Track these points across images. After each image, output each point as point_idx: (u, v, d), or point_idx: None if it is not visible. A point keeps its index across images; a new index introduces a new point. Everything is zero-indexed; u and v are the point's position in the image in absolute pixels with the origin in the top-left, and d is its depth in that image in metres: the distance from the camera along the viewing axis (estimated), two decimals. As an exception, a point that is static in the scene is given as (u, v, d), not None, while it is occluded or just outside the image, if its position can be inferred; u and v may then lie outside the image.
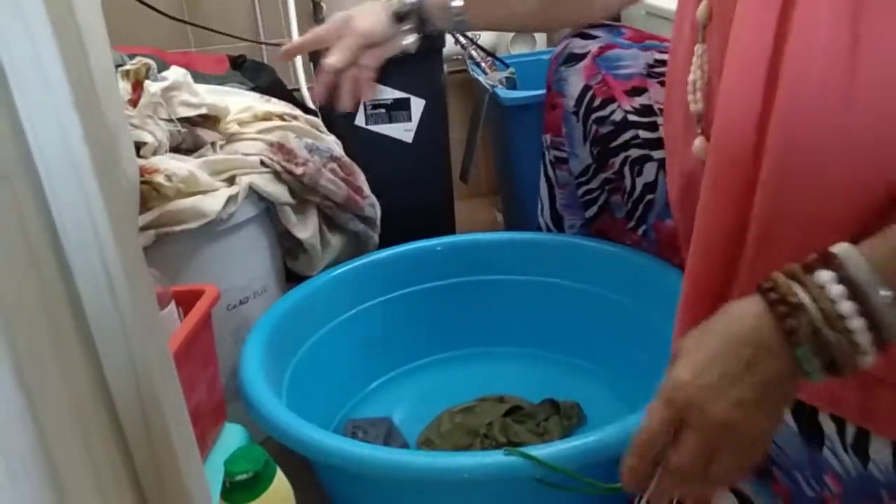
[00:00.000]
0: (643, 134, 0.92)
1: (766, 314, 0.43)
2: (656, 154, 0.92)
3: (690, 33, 0.61)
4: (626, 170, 0.95)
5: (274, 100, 1.14)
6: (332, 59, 0.88)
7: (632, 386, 1.02)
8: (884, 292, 0.40)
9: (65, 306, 0.28)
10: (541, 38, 1.73)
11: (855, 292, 0.40)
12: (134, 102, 0.93)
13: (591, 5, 0.97)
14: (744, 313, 0.44)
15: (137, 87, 0.95)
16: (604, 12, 0.98)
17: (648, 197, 0.94)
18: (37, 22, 0.26)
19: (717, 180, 0.51)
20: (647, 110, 0.91)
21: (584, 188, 1.02)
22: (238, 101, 1.08)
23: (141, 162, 0.87)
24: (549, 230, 1.10)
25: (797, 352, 0.42)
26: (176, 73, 0.95)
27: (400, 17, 0.94)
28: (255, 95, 1.14)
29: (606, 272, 1.04)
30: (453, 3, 0.95)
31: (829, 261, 0.42)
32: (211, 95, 1.00)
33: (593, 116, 0.95)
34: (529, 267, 1.11)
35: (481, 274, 1.13)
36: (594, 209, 1.04)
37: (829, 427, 0.50)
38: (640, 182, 0.94)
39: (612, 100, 0.93)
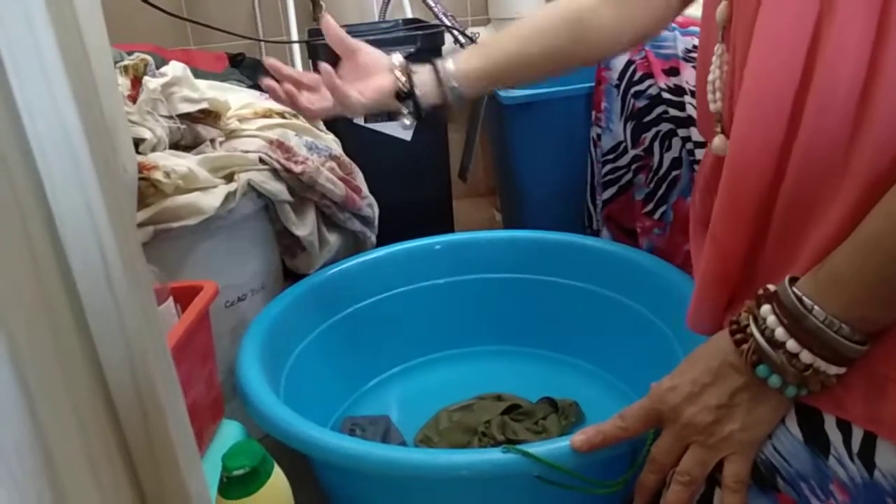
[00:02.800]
0: (672, 111, 0.97)
1: (730, 340, 0.52)
2: (681, 132, 0.97)
3: (712, 33, 0.61)
4: (656, 145, 0.99)
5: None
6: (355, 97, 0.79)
7: (629, 384, 1.02)
8: (813, 318, 0.47)
9: (62, 298, 0.28)
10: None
11: (787, 320, 0.48)
12: (133, 98, 0.93)
13: (620, 39, 0.82)
14: (720, 338, 0.54)
15: (136, 83, 0.94)
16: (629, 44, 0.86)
17: (674, 173, 0.99)
18: (36, 13, 0.26)
19: (738, 182, 0.54)
20: (678, 90, 0.96)
21: (608, 166, 1.07)
22: (238, 98, 1.08)
23: (140, 158, 0.87)
24: (588, 210, 1.16)
25: (757, 370, 0.50)
26: (175, 68, 0.95)
27: (401, 96, 0.81)
28: (255, 92, 1.14)
29: (604, 271, 1.04)
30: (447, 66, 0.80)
31: (769, 294, 0.50)
32: (211, 91, 1.00)
33: (632, 90, 1.00)
34: (528, 265, 1.11)
35: (480, 272, 1.13)
36: (612, 190, 1.08)
37: (835, 436, 0.50)
38: (667, 157, 0.99)
39: (650, 75, 0.98)
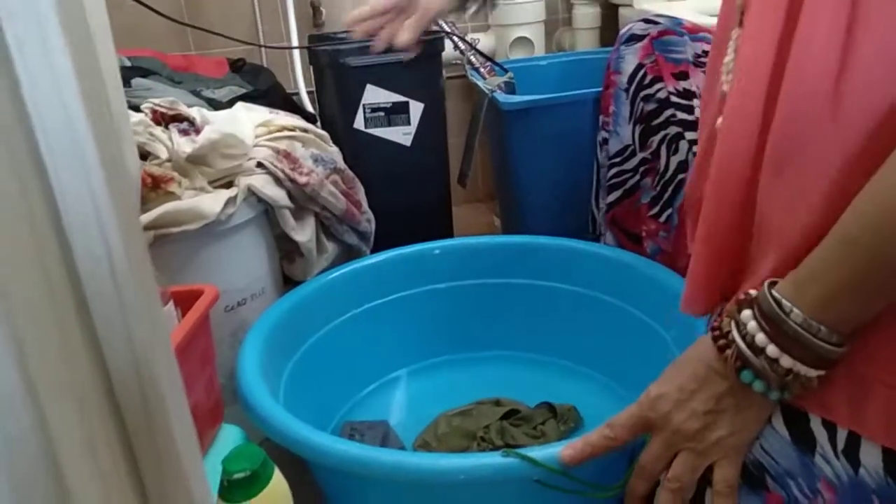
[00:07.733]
0: (679, 115, 0.99)
1: (713, 346, 0.52)
2: (689, 135, 0.99)
3: (731, 19, 0.62)
4: (663, 148, 1.01)
5: (282, 113, 1.14)
6: (405, 39, 0.87)
7: (627, 388, 1.02)
8: (792, 321, 0.47)
9: (67, 292, 0.28)
10: (539, 44, 1.74)
11: (767, 324, 0.49)
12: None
13: None
14: (704, 343, 0.54)
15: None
16: None
17: (680, 176, 1.01)
18: (46, 11, 0.26)
19: (726, 158, 0.54)
20: (687, 94, 0.99)
21: (615, 170, 1.08)
22: (253, 118, 1.08)
23: (156, 170, 0.88)
24: (593, 215, 1.17)
25: (741, 375, 0.51)
26: (211, 134, 0.94)
27: None
28: (265, 110, 1.14)
29: (603, 275, 1.04)
30: None
31: (749, 300, 0.50)
32: (228, 125, 0.98)
33: (641, 94, 1.02)
34: (526, 270, 1.11)
35: (479, 277, 1.13)
36: (618, 193, 1.09)
37: (820, 434, 0.50)
38: (674, 161, 1.01)
39: (659, 79, 1.00)
